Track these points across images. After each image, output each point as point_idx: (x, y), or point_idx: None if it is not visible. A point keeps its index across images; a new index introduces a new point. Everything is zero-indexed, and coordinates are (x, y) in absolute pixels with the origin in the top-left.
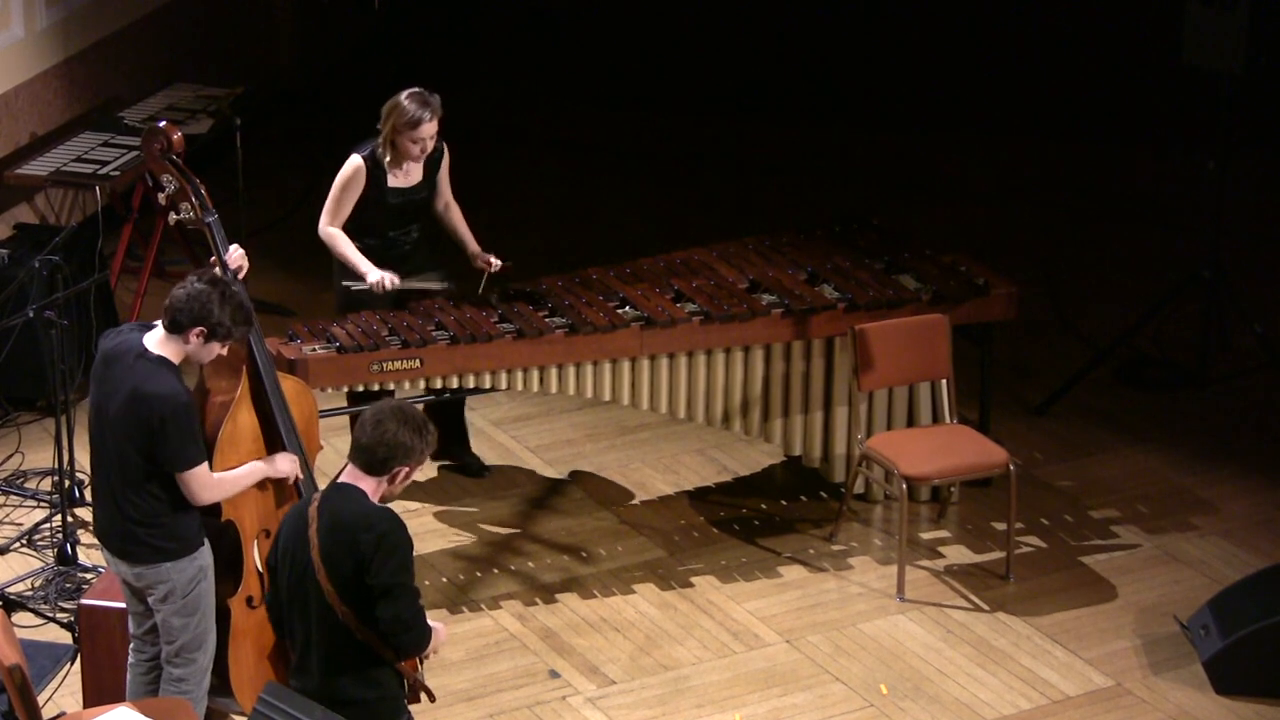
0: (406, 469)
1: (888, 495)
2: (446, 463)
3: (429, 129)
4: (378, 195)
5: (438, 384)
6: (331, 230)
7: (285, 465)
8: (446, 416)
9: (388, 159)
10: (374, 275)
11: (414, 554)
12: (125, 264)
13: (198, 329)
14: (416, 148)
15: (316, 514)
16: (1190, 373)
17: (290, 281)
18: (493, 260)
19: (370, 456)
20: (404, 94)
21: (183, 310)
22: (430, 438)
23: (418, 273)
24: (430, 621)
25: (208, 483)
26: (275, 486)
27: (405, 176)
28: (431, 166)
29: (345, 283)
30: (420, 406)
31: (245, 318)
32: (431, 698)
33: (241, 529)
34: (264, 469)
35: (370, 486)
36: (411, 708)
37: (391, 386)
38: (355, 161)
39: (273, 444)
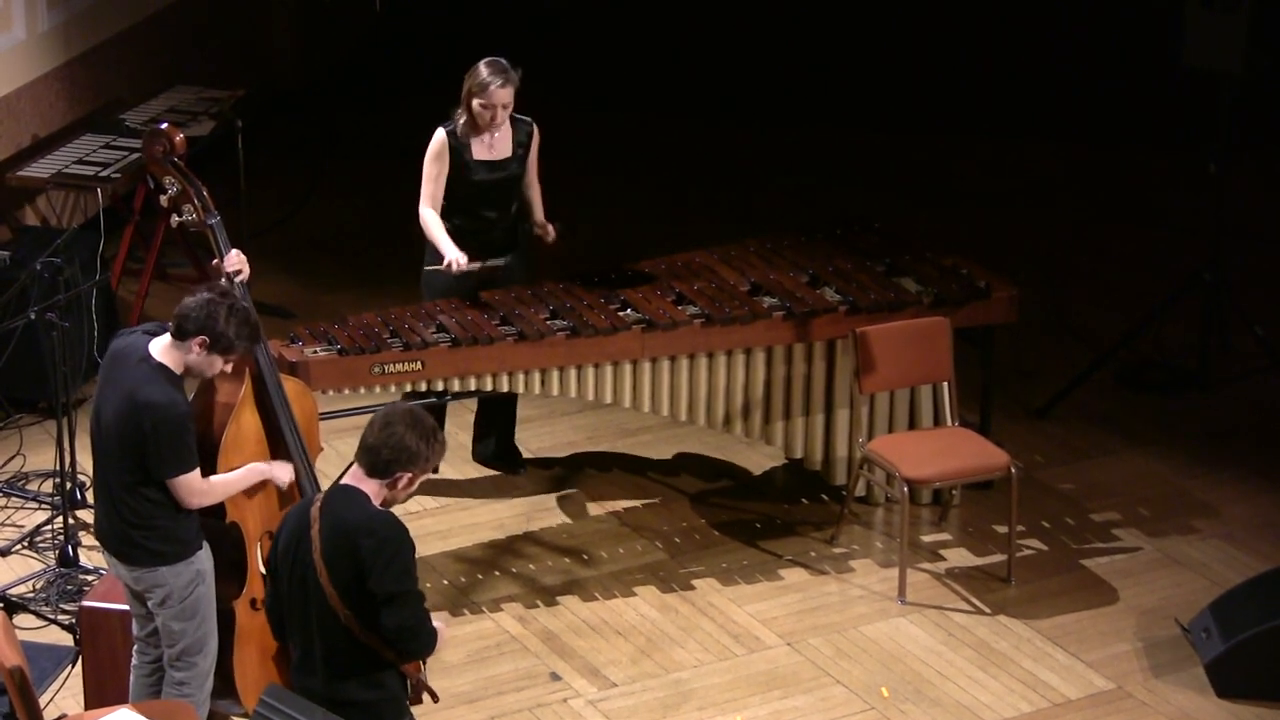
0: (410, 475)
1: (889, 498)
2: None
3: (500, 95)
4: (464, 168)
5: (439, 386)
6: (425, 212)
7: (283, 473)
8: (501, 424)
9: (470, 125)
10: (449, 255)
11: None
12: (127, 266)
13: (200, 338)
14: (488, 113)
15: (319, 514)
16: (1191, 375)
17: (291, 284)
18: (550, 231)
19: (374, 457)
20: (484, 60)
21: (189, 318)
22: (439, 447)
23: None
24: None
25: (197, 489)
26: (278, 488)
27: (490, 149)
28: (520, 140)
29: (426, 267)
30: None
31: (250, 333)
32: (435, 698)
33: (245, 531)
34: (263, 470)
35: (372, 489)
36: (413, 709)
37: (393, 389)
38: (439, 135)
39: (276, 444)
